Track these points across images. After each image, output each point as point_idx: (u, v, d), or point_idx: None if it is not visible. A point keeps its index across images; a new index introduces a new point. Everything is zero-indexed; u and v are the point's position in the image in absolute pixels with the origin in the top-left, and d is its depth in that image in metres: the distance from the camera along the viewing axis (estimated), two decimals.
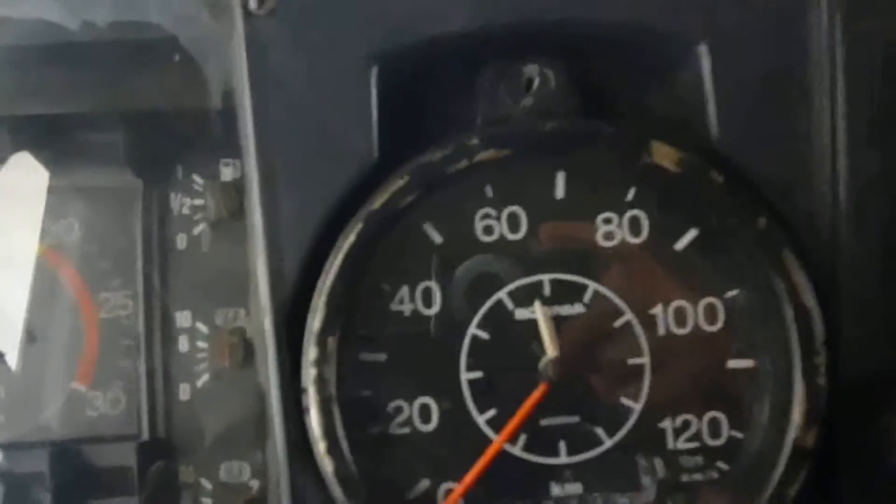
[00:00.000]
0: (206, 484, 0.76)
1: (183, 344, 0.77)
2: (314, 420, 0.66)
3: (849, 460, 0.65)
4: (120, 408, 0.76)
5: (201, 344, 0.77)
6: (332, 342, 0.66)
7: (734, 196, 0.67)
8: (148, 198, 0.77)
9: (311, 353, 0.66)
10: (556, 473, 0.69)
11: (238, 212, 0.72)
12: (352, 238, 0.66)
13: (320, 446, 0.66)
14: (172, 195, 0.76)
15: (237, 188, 0.72)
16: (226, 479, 0.76)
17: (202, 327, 0.77)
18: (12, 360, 0.77)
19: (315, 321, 0.66)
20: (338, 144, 0.67)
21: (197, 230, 0.76)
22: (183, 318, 0.77)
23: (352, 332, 0.67)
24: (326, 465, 0.66)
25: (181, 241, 0.76)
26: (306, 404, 0.67)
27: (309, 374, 0.66)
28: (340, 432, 0.66)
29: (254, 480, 0.76)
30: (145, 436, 0.75)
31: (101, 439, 0.75)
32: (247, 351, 0.74)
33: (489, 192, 0.69)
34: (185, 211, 0.76)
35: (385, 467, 0.68)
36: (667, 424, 0.69)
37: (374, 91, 0.67)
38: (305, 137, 0.67)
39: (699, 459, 0.69)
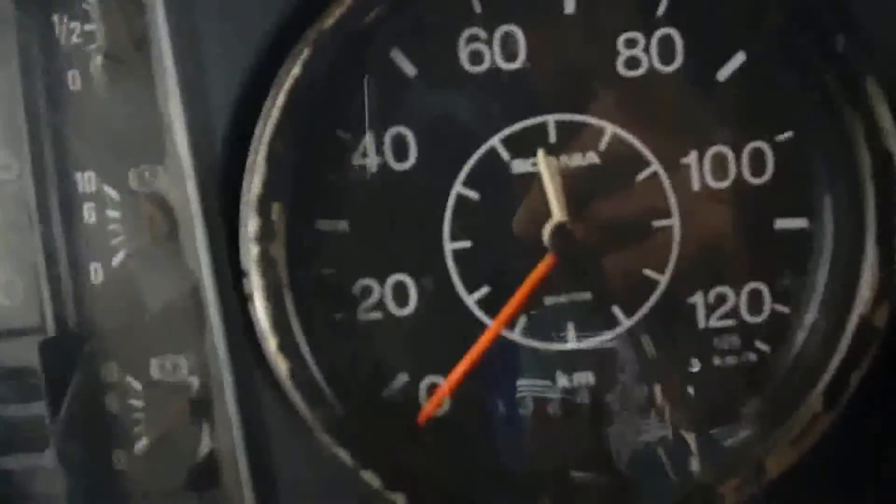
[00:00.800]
0: (135, 383, 0.62)
1: (89, 214, 0.61)
2: (260, 311, 0.52)
3: None
4: (16, 296, 0.61)
5: (112, 213, 0.61)
6: (277, 210, 0.51)
7: (799, 7, 0.51)
8: (24, 24, 0.60)
9: (251, 225, 0.51)
10: (563, 361, 0.57)
11: (143, 39, 0.55)
12: (297, 71, 0.51)
13: (270, 343, 0.52)
14: (56, 18, 0.58)
15: (140, 5, 0.54)
16: (158, 377, 0.62)
17: (112, 192, 0.61)
18: None
19: (254, 183, 0.51)
20: None
21: (93, 65, 0.58)
22: (86, 182, 0.61)
23: (303, 196, 0.53)
24: (280, 365, 0.53)
25: (73, 80, 0.60)
26: (249, 291, 0.53)
27: (250, 252, 0.52)
28: (295, 325, 0.52)
29: (193, 377, 0.62)
30: (51, 329, 0.61)
31: None
32: (171, 221, 0.59)
33: (477, 6, 0.53)
34: (76, 39, 0.59)
35: (353, 362, 0.56)
36: (698, 299, 0.57)
37: None
38: None
39: (735, 340, 0.57)
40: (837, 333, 0.53)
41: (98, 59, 0.58)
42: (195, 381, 0.63)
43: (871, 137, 0.51)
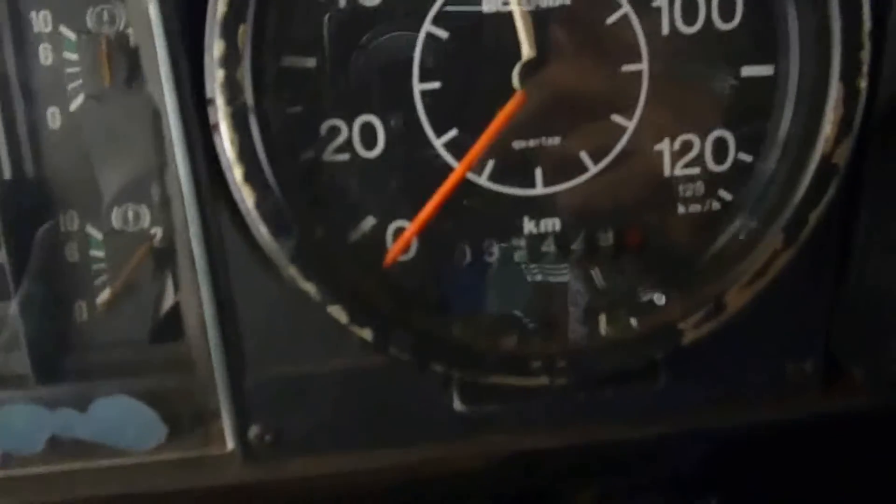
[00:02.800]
0: (95, 233, 0.61)
1: (45, 55, 0.59)
2: (226, 138, 0.51)
3: (879, 186, 0.55)
4: None
5: (69, 55, 0.59)
6: (244, 33, 0.50)
7: None
8: None
9: (216, 48, 0.50)
10: (531, 206, 0.57)
11: None
12: None
13: (236, 173, 0.51)
14: None
15: None
16: (120, 227, 0.61)
17: (68, 33, 0.58)
18: None
19: (219, 4, 0.49)
20: None
21: None
22: (41, 21, 0.58)
23: (269, 25, 0.51)
24: (246, 196, 0.52)
25: None
26: (214, 119, 0.51)
27: (216, 76, 0.50)
28: (261, 154, 0.51)
29: (156, 227, 0.61)
30: (6, 174, 0.59)
31: None
32: (132, 62, 0.57)
33: None
34: None
35: (321, 203, 0.55)
36: (664, 146, 0.57)
37: None
38: None
39: (699, 187, 0.57)
40: (799, 173, 0.54)
41: None
42: (158, 231, 0.62)
43: None
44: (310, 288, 0.53)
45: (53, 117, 0.59)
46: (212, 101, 0.51)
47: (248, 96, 0.50)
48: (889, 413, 0.64)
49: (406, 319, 0.54)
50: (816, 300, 0.58)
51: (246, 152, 0.51)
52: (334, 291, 0.53)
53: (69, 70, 0.59)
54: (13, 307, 0.60)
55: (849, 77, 0.52)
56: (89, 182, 0.60)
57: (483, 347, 0.55)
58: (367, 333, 0.54)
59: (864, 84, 0.52)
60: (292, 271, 0.53)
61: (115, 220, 0.61)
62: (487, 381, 0.55)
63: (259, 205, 0.52)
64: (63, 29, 0.58)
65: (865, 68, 0.52)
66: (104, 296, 0.62)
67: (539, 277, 0.58)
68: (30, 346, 0.60)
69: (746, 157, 0.57)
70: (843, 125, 0.53)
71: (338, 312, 0.53)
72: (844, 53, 0.52)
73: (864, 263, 0.58)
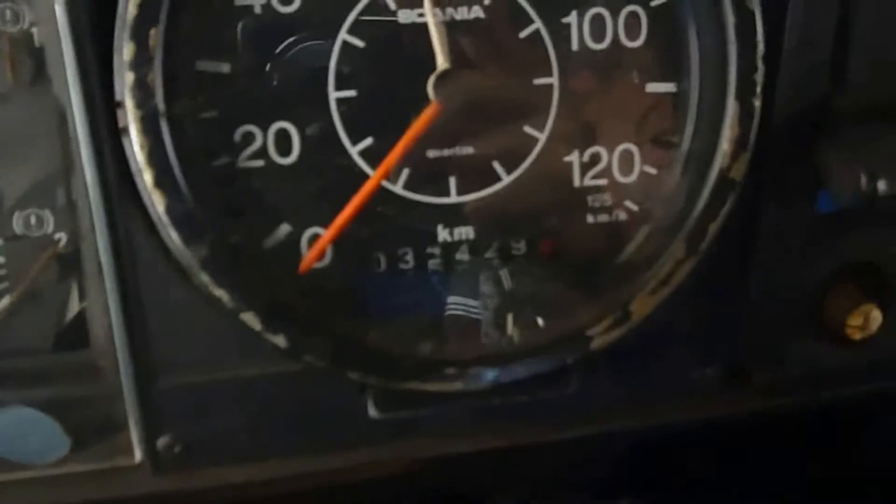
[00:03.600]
0: None
1: None
2: (136, 142, 0.50)
3: (775, 199, 0.58)
4: None
5: None
6: (155, 36, 0.49)
7: None
8: None
9: (126, 50, 0.49)
10: (445, 215, 0.58)
11: None
12: None
13: (146, 177, 0.50)
14: None
15: None
16: (21, 232, 0.59)
17: None
18: None
19: (129, 6, 0.48)
20: None
21: None
22: None
23: (182, 29, 0.50)
24: (157, 202, 0.51)
25: None
26: (124, 123, 0.50)
27: (126, 79, 0.49)
28: (172, 159, 0.50)
29: (61, 233, 0.59)
30: None
31: None
32: (37, 62, 0.55)
33: None
34: None
35: (235, 209, 0.55)
36: (574, 158, 0.59)
37: None
38: None
39: (607, 198, 0.59)
40: (699, 187, 0.57)
41: None
42: (63, 237, 0.60)
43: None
44: (222, 294, 0.52)
45: None
46: (121, 104, 0.50)
47: (159, 100, 0.49)
48: (787, 414, 0.67)
49: (321, 326, 0.54)
50: (719, 308, 0.60)
51: (156, 157, 0.50)
52: (247, 298, 0.53)
53: None
54: None
55: (744, 97, 0.55)
56: None
57: (399, 354, 0.56)
58: (280, 340, 0.53)
59: (758, 104, 0.55)
60: (204, 278, 0.52)
61: (17, 225, 0.59)
62: (403, 388, 0.56)
63: (170, 210, 0.51)
64: None
65: (759, 89, 0.55)
66: (4, 303, 0.60)
67: (455, 284, 0.59)
68: None
69: (651, 170, 0.60)
70: (740, 142, 0.55)
71: (251, 319, 0.53)
72: (740, 75, 0.55)
73: (765, 272, 0.61)
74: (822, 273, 0.62)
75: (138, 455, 0.59)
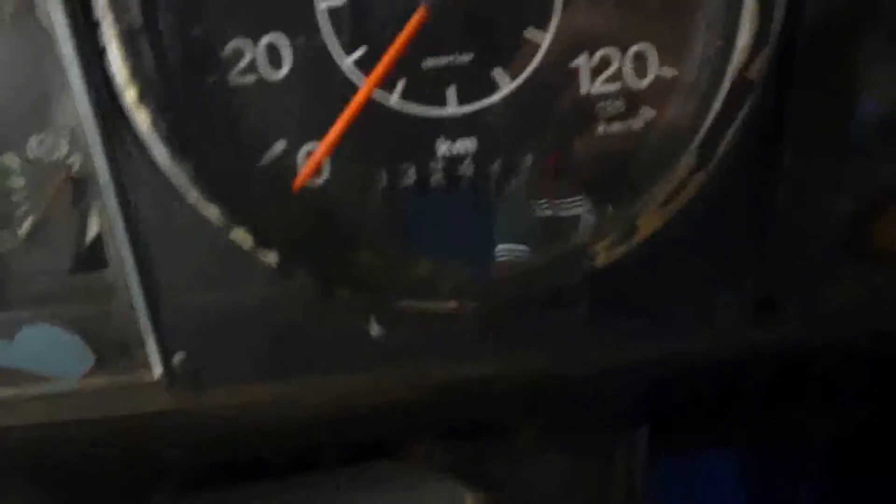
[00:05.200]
0: (12, 162, 0.60)
1: None
2: (116, 60, 0.50)
3: (806, 103, 0.53)
4: None
5: None
6: None
7: None
8: None
9: None
10: (444, 127, 0.55)
11: None
12: None
13: (129, 94, 0.50)
14: None
15: None
16: (37, 155, 0.60)
17: None
18: None
19: None
20: None
21: None
22: None
23: None
24: (141, 118, 0.51)
25: None
26: (103, 43, 0.50)
27: None
28: (152, 73, 0.49)
29: (75, 157, 0.60)
30: None
31: None
32: None
33: None
34: None
35: (227, 128, 0.54)
36: (581, 62, 0.55)
37: None
38: None
39: (619, 105, 0.55)
40: (714, 89, 0.52)
41: None
42: (77, 160, 0.61)
43: None
44: (212, 212, 0.52)
45: None
46: (98, 24, 0.49)
47: (137, 17, 0.49)
48: (821, 346, 0.62)
49: (313, 244, 0.54)
50: (740, 228, 0.56)
51: (137, 72, 0.49)
52: (238, 215, 0.52)
53: None
54: None
55: None
56: (3, 108, 0.59)
57: (392, 273, 0.55)
58: (272, 258, 0.53)
59: None
60: (194, 194, 0.52)
61: (32, 148, 0.60)
62: (398, 306, 0.55)
63: (156, 126, 0.50)
64: None
65: None
66: (26, 226, 0.62)
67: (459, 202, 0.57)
68: None
69: (667, 72, 0.55)
70: (758, 39, 0.50)
71: (242, 236, 0.53)
72: None
73: (793, 198, 0.55)
74: (867, 189, 0.56)
75: (156, 372, 0.61)
